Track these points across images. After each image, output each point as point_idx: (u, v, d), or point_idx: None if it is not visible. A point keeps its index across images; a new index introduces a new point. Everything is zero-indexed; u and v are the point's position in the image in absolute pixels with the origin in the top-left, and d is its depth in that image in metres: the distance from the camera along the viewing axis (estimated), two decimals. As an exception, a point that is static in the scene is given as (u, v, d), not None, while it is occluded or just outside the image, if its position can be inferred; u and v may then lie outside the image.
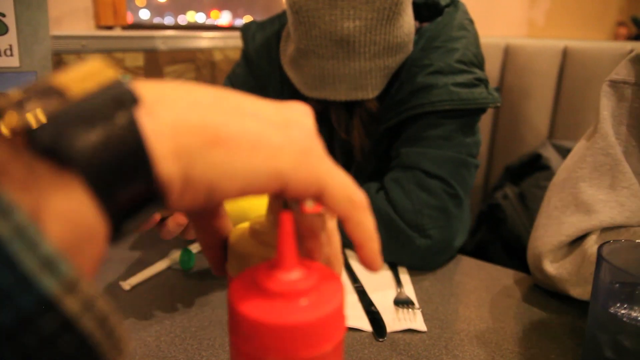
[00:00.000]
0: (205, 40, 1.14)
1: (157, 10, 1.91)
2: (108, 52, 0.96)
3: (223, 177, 0.22)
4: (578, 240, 0.62)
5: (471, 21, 0.82)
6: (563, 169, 0.68)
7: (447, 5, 0.83)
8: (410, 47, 0.78)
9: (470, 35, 0.79)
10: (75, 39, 0.92)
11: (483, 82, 0.76)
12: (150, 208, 0.21)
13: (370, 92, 0.76)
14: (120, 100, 0.20)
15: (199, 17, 1.99)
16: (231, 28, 1.35)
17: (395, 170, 0.76)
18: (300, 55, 0.76)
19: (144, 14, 1.88)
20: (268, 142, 0.23)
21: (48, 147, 0.18)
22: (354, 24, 0.70)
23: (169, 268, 0.72)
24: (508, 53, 1.21)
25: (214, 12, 2.03)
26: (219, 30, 1.27)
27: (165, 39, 1.06)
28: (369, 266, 0.27)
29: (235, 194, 0.23)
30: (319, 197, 0.25)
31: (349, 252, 0.76)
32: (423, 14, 0.86)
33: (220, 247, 0.33)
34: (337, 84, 0.75)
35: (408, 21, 0.76)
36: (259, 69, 0.90)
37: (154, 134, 0.20)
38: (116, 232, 0.20)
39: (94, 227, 0.19)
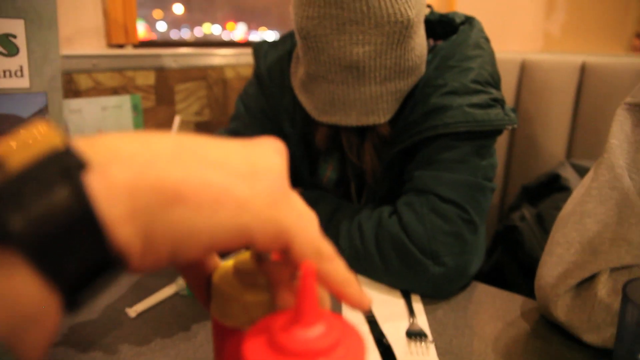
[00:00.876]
0: (217, 57, 1.13)
1: (173, 22, 1.92)
2: (119, 70, 0.96)
3: (186, 236, 0.21)
4: (586, 282, 0.59)
5: (487, 39, 0.79)
6: (570, 201, 0.65)
7: (462, 23, 0.81)
8: (423, 69, 0.76)
9: (486, 54, 0.77)
10: (86, 58, 0.91)
11: (499, 102, 0.74)
12: (108, 274, 0.20)
13: (382, 116, 0.74)
14: (65, 168, 0.19)
15: (215, 29, 2.00)
16: (244, 44, 1.34)
17: (408, 194, 0.74)
18: (310, 80, 0.75)
19: (161, 26, 1.89)
20: (233, 196, 0.22)
21: None
22: (364, 49, 0.68)
23: (175, 294, 0.70)
24: (524, 69, 1.19)
25: (229, 24, 2.04)
26: (232, 47, 1.26)
27: (176, 57, 1.05)
28: (357, 308, 0.27)
29: (201, 252, 0.22)
30: (286, 250, 0.24)
31: (361, 279, 0.74)
32: (437, 31, 0.84)
33: (204, 285, 0.31)
34: (348, 109, 0.73)
35: (420, 42, 0.73)
36: (271, 89, 0.89)
37: (107, 198, 0.19)
38: (72, 304, 0.19)
39: (38, 306, 0.18)
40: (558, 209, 1.01)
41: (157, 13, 1.88)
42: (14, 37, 0.71)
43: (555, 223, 0.66)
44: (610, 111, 1.07)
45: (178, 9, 1.91)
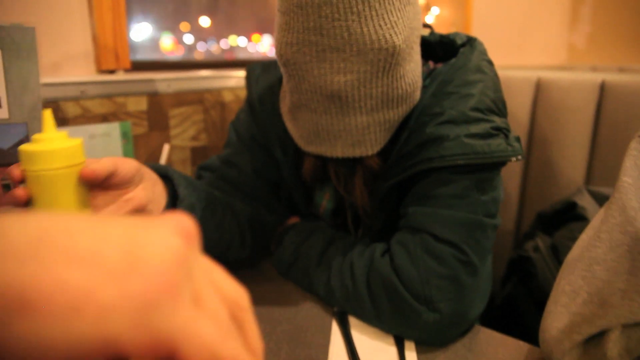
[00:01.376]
0: (214, 80, 1.10)
1: (200, 35, 1.94)
2: (109, 97, 0.93)
3: (37, 350, 0.17)
4: (595, 338, 0.52)
5: (490, 62, 0.74)
6: (578, 244, 0.58)
7: (463, 45, 0.75)
8: (417, 96, 0.71)
9: (488, 78, 0.71)
10: (74, 85, 0.89)
11: (502, 131, 0.68)
12: None
13: (369, 148, 0.69)
14: None
15: (241, 41, 2.00)
16: (240, 64, 1.31)
17: (402, 232, 0.68)
18: (295, 108, 0.70)
19: (188, 39, 1.91)
20: (94, 300, 0.18)
21: None
22: (345, 78, 0.62)
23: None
24: (540, 88, 1.12)
25: (255, 36, 2.04)
26: (231, 68, 1.22)
27: (169, 82, 1.02)
28: None
29: None
30: (173, 358, 0.20)
31: (352, 321, 0.69)
32: (438, 53, 0.78)
33: None
34: (333, 140, 0.68)
35: (412, 68, 0.68)
36: (262, 115, 0.85)
37: None
38: None
39: None
40: (574, 239, 0.93)
41: (184, 26, 1.91)
42: (-11, 67, 0.69)
43: (562, 268, 0.60)
44: (632, 134, 1.00)
45: (205, 21, 1.93)
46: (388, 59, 0.62)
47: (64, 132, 0.54)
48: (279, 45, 0.64)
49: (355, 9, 0.58)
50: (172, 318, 0.20)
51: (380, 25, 0.60)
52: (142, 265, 0.20)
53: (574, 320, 0.53)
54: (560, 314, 0.55)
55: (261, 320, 0.70)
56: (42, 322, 0.17)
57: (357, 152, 0.69)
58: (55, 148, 0.51)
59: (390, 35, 0.61)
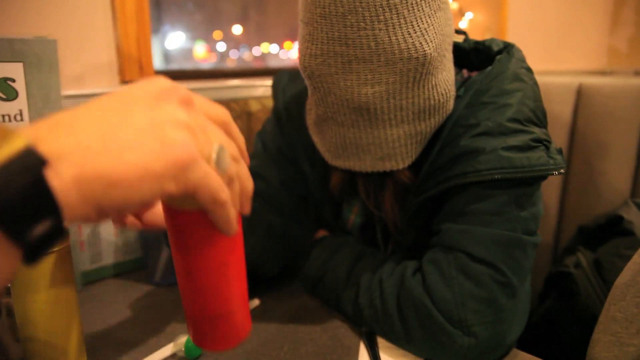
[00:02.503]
0: (240, 89, 1.08)
1: (233, 43, 1.96)
2: (133, 107, 0.92)
3: (126, 204, 0.28)
4: None
5: (529, 70, 0.69)
6: (629, 267, 0.53)
7: (500, 52, 0.71)
8: (450, 106, 0.67)
9: (527, 87, 0.66)
10: (96, 96, 0.88)
11: (543, 142, 0.63)
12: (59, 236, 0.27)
13: (400, 162, 0.66)
14: (27, 168, 0.25)
15: (273, 49, 2.01)
16: (270, 73, 1.29)
17: (435, 250, 0.65)
18: (321, 121, 0.67)
19: (221, 47, 1.93)
20: (152, 171, 0.29)
21: None
22: (373, 90, 0.59)
23: (173, 355, 0.64)
24: (581, 95, 1.06)
25: (286, 43, 2.04)
26: (259, 76, 1.21)
27: (195, 91, 1.01)
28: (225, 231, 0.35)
29: (137, 207, 0.29)
30: (193, 196, 0.32)
31: (381, 343, 0.66)
32: (472, 61, 0.74)
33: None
34: (361, 153, 0.65)
35: (445, 78, 0.64)
36: (289, 127, 0.82)
37: (61, 189, 0.26)
38: (29, 256, 0.26)
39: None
40: (619, 256, 0.88)
41: (217, 34, 1.93)
42: (13, 80, 0.68)
43: (611, 292, 0.55)
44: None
45: (237, 29, 1.95)
46: (418, 68, 0.58)
47: None
48: (303, 57, 0.62)
49: (382, 17, 0.55)
50: (195, 174, 0.30)
51: (409, 33, 0.57)
52: (171, 145, 0.29)
53: (627, 351, 0.48)
54: (610, 344, 0.50)
55: (285, 340, 0.67)
56: (126, 190, 0.28)
57: (387, 166, 0.65)
58: None
59: (420, 43, 0.57)
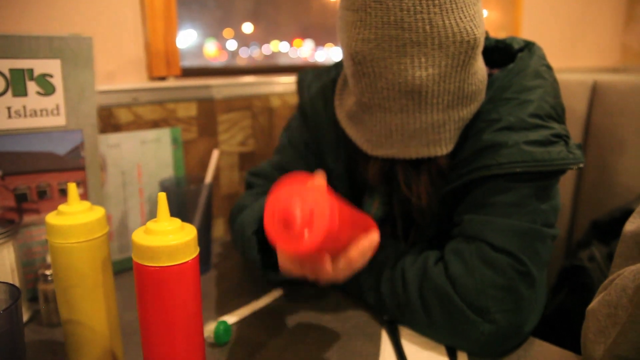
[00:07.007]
0: (261, 86, 1.10)
1: (243, 41, 1.97)
2: (160, 103, 0.95)
3: None
4: None
5: (549, 67, 0.71)
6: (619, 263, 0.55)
7: (521, 49, 0.73)
8: (483, 95, 0.70)
9: (547, 84, 0.68)
10: (126, 92, 0.91)
11: (562, 138, 0.65)
12: None
13: (444, 147, 0.68)
14: None
15: (283, 47, 2.02)
16: (289, 70, 1.32)
17: (457, 240, 0.67)
18: (363, 110, 0.69)
19: (231, 45, 1.95)
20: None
21: None
22: (427, 73, 0.62)
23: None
24: (596, 91, 1.08)
25: (296, 41, 2.05)
26: (278, 73, 1.23)
27: (219, 88, 1.03)
28: None
29: None
30: None
31: (403, 331, 0.68)
32: (494, 58, 0.76)
33: None
34: (407, 140, 0.68)
35: (481, 66, 0.68)
36: (314, 122, 0.85)
37: None
38: None
39: None
40: (634, 250, 0.90)
41: (227, 32, 1.94)
42: (51, 76, 0.71)
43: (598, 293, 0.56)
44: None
45: (247, 27, 1.96)
46: (468, 51, 0.62)
47: (87, 204, 0.56)
48: (353, 43, 0.64)
49: (437, 1, 0.59)
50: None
51: (460, 18, 0.60)
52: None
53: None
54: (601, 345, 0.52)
55: (309, 328, 0.69)
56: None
57: (432, 152, 0.68)
58: (75, 223, 0.53)
59: (471, 27, 0.61)
